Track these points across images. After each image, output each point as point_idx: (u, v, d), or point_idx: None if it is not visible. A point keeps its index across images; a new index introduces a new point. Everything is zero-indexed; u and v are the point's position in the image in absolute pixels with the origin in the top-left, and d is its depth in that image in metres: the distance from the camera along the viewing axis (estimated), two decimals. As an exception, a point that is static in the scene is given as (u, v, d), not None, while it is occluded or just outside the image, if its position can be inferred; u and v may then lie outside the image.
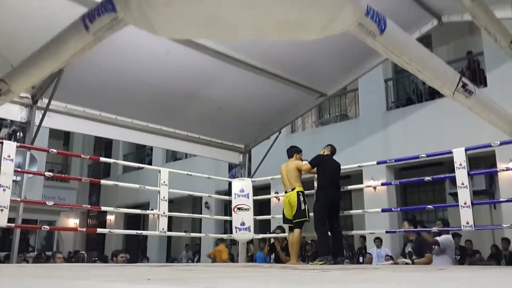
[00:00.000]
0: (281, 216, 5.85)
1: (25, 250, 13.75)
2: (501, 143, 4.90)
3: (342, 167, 5.74)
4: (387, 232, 7.83)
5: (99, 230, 7.11)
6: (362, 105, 11.52)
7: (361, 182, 9.59)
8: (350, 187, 6.65)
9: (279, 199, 7.17)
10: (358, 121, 11.55)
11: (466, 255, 8.42)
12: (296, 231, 5.47)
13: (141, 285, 2.10)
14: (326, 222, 5.33)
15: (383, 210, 6.98)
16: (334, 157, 5.75)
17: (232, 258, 9.60)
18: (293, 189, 5.54)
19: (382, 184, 8.59)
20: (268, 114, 7.31)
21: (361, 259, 9.40)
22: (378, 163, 6.35)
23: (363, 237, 10.20)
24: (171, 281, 2.43)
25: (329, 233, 5.41)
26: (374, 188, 9.11)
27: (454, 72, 3.30)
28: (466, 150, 4.87)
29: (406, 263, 5.20)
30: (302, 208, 5.43)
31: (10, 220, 4.55)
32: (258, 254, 8.00)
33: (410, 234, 5.52)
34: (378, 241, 9.16)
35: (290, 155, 5.88)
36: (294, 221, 5.49)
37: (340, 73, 6.97)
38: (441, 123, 9.27)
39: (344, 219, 10.91)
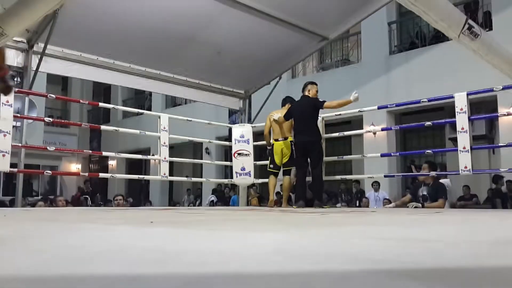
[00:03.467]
0: None
1: (29, 194, 14.00)
2: (504, 88, 4.86)
3: (342, 112, 5.70)
4: (385, 176, 7.93)
5: (102, 174, 7.20)
6: (364, 49, 11.30)
7: (361, 128, 9.59)
8: (349, 132, 6.65)
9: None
10: (360, 66, 11.38)
11: (464, 199, 8.57)
12: (286, 177, 5.78)
13: (145, 228, 2.15)
14: (300, 167, 5.65)
15: (382, 155, 7.03)
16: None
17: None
18: (285, 138, 5.75)
19: (382, 130, 8.61)
20: (268, 58, 7.18)
21: (358, 202, 9.58)
22: (379, 108, 6.33)
23: (357, 182, 10.36)
24: (173, 224, 2.48)
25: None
26: (374, 133, 9.13)
27: (460, 13, 3.21)
28: (468, 94, 4.84)
29: (416, 207, 5.23)
30: (294, 157, 5.70)
31: (12, 165, 4.60)
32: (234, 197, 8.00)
33: (427, 178, 5.51)
34: (376, 184, 9.32)
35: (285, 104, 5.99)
36: (284, 168, 5.79)
37: (342, 15, 6.75)
38: (444, 68, 9.14)
39: (343, 164, 11.01)
